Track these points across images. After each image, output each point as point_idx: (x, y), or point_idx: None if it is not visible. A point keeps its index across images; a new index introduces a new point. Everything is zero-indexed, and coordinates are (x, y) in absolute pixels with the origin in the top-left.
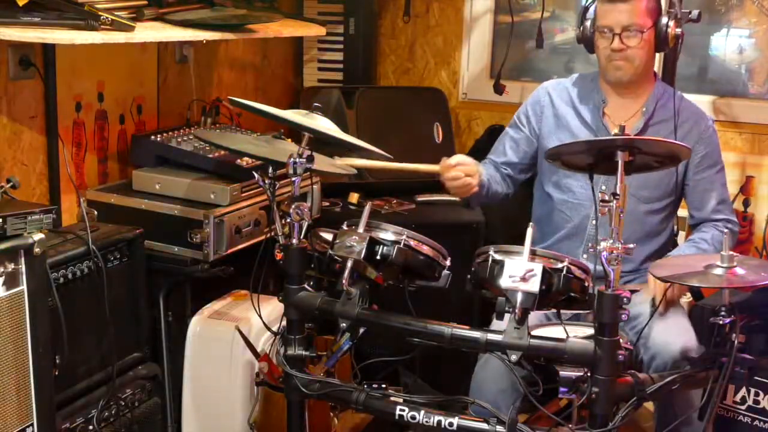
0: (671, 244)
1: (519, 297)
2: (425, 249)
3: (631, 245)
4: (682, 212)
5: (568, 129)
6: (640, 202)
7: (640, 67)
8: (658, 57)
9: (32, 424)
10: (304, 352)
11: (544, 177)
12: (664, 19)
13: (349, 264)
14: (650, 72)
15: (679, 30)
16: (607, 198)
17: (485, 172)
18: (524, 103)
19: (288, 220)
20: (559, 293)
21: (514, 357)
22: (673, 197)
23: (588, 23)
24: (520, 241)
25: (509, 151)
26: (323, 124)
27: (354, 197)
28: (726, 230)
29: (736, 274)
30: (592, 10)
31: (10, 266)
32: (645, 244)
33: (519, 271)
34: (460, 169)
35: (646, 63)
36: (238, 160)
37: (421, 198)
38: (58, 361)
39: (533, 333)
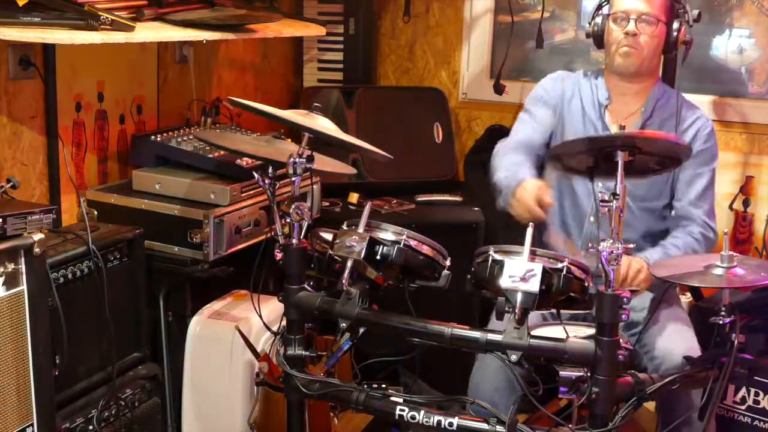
0: None
1: (519, 297)
2: (425, 249)
3: (631, 245)
4: None
5: (572, 124)
6: (636, 200)
7: (647, 59)
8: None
9: (32, 424)
10: (304, 352)
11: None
12: (676, 24)
13: (349, 264)
14: (655, 71)
15: (688, 37)
16: (607, 198)
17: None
18: (541, 85)
19: (288, 220)
20: (559, 293)
21: (514, 357)
22: (670, 198)
23: (599, 19)
24: (520, 242)
25: (540, 131)
26: (323, 124)
27: (354, 197)
28: (711, 234)
29: (736, 274)
30: (606, 8)
31: (10, 266)
32: (644, 244)
33: (519, 271)
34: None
35: (652, 57)
36: (238, 160)
37: (421, 198)
38: (58, 361)
39: (533, 333)
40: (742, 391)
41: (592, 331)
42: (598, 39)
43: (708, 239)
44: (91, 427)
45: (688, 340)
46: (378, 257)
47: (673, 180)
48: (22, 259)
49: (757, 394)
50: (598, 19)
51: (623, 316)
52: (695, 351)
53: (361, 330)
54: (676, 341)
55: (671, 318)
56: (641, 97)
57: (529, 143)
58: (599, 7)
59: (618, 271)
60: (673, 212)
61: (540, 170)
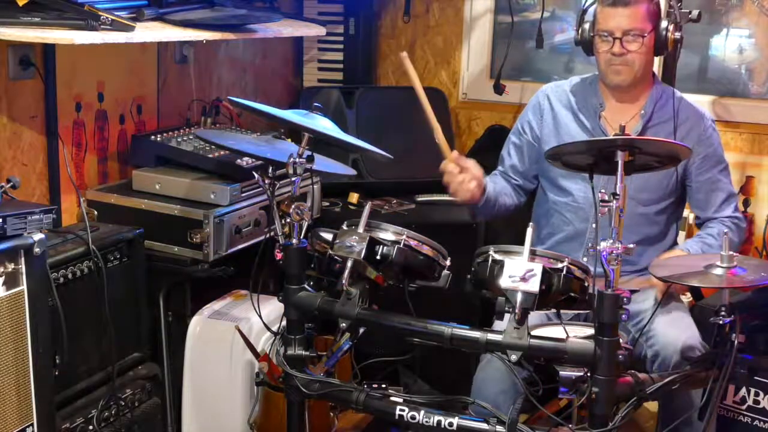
0: (675, 245)
1: (519, 297)
2: (425, 249)
3: (631, 245)
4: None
5: (567, 133)
6: (640, 204)
7: (639, 72)
8: (658, 58)
9: (32, 424)
10: (304, 352)
11: (544, 179)
12: (664, 23)
13: (349, 264)
14: (649, 75)
15: (678, 34)
16: (606, 198)
17: (492, 185)
18: (525, 109)
19: (288, 220)
20: (559, 293)
21: (514, 357)
22: (673, 198)
23: (587, 26)
24: (520, 242)
25: (514, 158)
26: (323, 124)
27: (354, 197)
28: (726, 230)
29: (736, 274)
30: (590, 12)
31: (10, 266)
32: (648, 247)
33: (519, 271)
34: (465, 175)
35: (645, 67)
36: (238, 160)
37: (421, 198)
38: (58, 361)
39: (533, 333)
40: (742, 391)
41: (592, 331)
42: (587, 47)
43: (740, 228)
44: (91, 427)
45: (688, 328)
46: (378, 257)
47: (685, 186)
48: (22, 259)
49: (757, 394)
50: (585, 26)
51: (623, 316)
52: (696, 339)
53: (361, 330)
54: (677, 330)
55: (671, 308)
56: (639, 100)
57: (503, 174)
58: (583, 12)
59: (617, 271)
60: (697, 221)
61: (527, 193)
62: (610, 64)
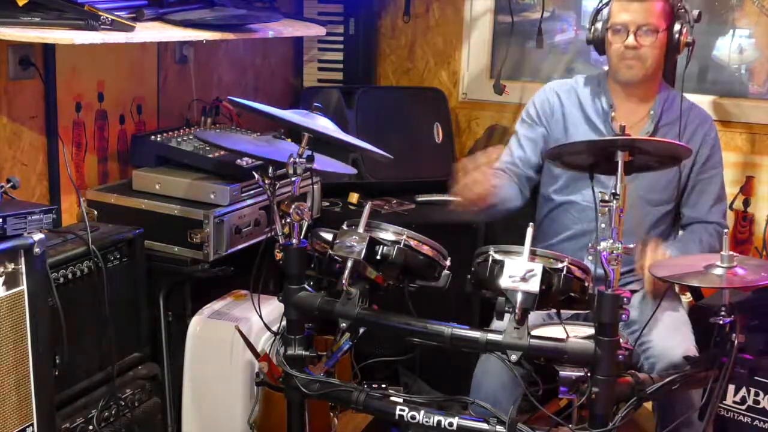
0: None
1: (519, 297)
2: (425, 249)
3: (631, 245)
4: None
5: (577, 134)
6: (650, 205)
7: (651, 68)
8: None
9: (32, 424)
10: (304, 352)
11: (549, 180)
12: (677, 26)
13: (349, 264)
14: (659, 75)
15: (690, 38)
16: (607, 198)
17: (501, 192)
18: (531, 102)
19: (288, 220)
20: (559, 293)
21: (514, 357)
22: (679, 200)
23: (599, 24)
24: (520, 242)
25: (528, 151)
26: (323, 124)
27: (354, 197)
28: (726, 231)
29: (736, 274)
30: (605, 11)
31: (10, 266)
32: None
33: (519, 271)
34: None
35: (656, 65)
36: (238, 160)
37: (421, 198)
38: (58, 361)
39: (533, 333)
40: (742, 391)
41: (592, 331)
42: (599, 45)
43: (721, 236)
44: (91, 427)
45: (685, 340)
46: (378, 257)
47: (681, 186)
48: (22, 259)
49: (757, 394)
50: (598, 25)
51: (623, 316)
52: (692, 351)
53: (361, 330)
54: (673, 341)
55: (670, 317)
56: (647, 100)
57: (512, 167)
58: (597, 12)
59: (618, 271)
60: (684, 221)
61: (532, 191)
62: (623, 58)
